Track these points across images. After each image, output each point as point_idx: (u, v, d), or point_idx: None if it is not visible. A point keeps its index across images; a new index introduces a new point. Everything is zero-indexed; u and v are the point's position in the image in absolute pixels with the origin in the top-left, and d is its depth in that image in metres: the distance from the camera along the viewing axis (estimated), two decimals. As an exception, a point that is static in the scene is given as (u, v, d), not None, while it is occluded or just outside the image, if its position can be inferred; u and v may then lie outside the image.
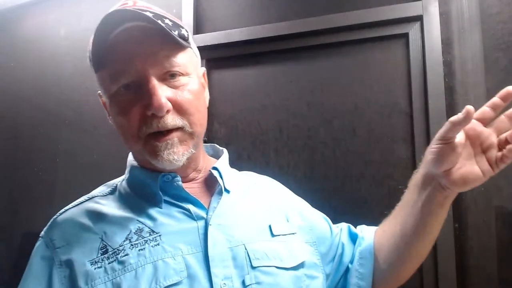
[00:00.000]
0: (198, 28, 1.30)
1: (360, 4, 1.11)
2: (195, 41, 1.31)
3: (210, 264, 0.53)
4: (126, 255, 0.52)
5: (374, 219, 1.07)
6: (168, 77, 0.55)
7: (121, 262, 0.52)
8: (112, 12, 0.52)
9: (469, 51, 1.02)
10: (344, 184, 1.10)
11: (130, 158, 0.67)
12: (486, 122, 0.55)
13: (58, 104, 1.48)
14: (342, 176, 1.11)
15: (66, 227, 0.58)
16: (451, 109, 1.02)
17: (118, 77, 0.54)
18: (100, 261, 0.53)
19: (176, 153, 0.55)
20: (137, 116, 0.54)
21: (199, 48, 1.27)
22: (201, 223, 0.57)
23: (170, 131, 0.55)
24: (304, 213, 0.72)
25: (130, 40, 0.53)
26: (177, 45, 0.56)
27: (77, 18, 1.49)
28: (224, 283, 0.52)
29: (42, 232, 0.60)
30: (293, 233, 0.65)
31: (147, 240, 0.54)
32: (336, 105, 1.14)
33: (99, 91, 0.62)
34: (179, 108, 0.55)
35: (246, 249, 0.56)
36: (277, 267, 0.57)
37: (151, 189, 0.59)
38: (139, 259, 0.52)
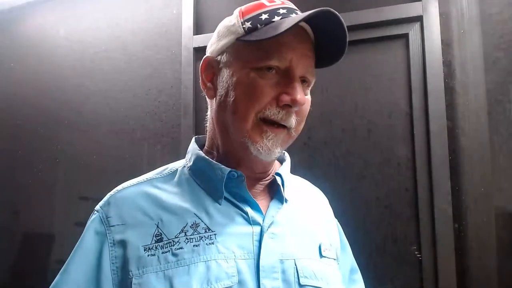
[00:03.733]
0: (198, 28, 1.30)
1: (360, 5, 1.11)
2: (195, 41, 1.32)
3: (260, 274, 0.52)
4: (181, 248, 0.52)
5: (374, 219, 1.07)
6: (302, 81, 0.57)
7: (175, 255, 0.52)
8: (292, 9, 0.57)
9: (469, 51, 1.02)
10: (344, 184, 1.11)
11: (195, 146, 0.65)
12: None
13: (58, 104, 1.48)
14: (342, 176, 1.11)
15: (123, 205, 0.57)
16: (451, 109, 1.02)
17: (271, 57, 0.55)
18: (154, 248, 0.53)
19: (277, 146, 0.56)
20: (268, 98, 0.55)
21: (199, 48, 1.28)
22: (256, 229, 0.56)
23: (281, 127, 0.56)
24: (339, 251, 0.71)
25: (294, 35, 0.55)
26: (317, 62, 0.60)
27: (77, 19, 1.50)
28: None
29: (98, 206, 0.59)
30: (335, 259, 0.65)
31: (202, 237, 0.54)
32: (336, 105, 1.14)
33: (211, 56, 0.62)
34: (300, 112, 0.57)
35: (295, 264, 0.55)
36: None
37: (214, 183, 0.58)
38: (193, 255, 0.52)
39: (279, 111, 0.54)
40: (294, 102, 0.53)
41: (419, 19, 1.06)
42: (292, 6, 0.59)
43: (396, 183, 1.07)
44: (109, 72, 1.42)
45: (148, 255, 0.52)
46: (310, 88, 0.61)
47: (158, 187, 0.60)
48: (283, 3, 0.58)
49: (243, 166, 0.60)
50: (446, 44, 1.04)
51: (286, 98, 0.54)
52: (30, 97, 1.53)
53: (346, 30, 0.54)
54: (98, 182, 1.37)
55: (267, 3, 0.58)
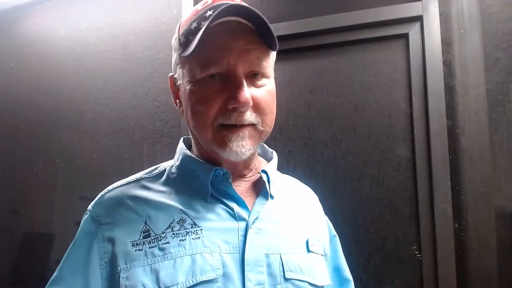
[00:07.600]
0: (198, 28, 1.30)
1: (360, 5, 1.11)
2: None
3: (245, 267, 0.53)
4: (167, 243, 0.54)
5: (374, 219, 1.07)
6: (251, 75, 0.56)
7: (161, 249, 0.53)
8: (218, 5, 0.54)
9: (469, 51, 1.02)
10: (344, 184, 1.11)
11: (182, 146, 0.67)
12: None
13: (58, 104, 1.48)
14: (342, 176, 1.11)
15: (112, 205, 0.59)
16: (451, 109, 1.02)
17: (209, 66, 0.55)
18: (142, 244, 0.54)
19: (244, 146, 0.56)
20: (217, 107, 0.55)
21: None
22: (242, 225, 0.57)
23: (243, 125, 0.56)
24: (327, 248, 0.71)
25: (227, 34, 0.55)
26: (268, 47, 0.57)
27: (77, 18, 1.50)
28: None
29: (90, 206, 0.61)
30: (322, 255, 0.65)
31: (188, 232, 0.55)
32: (336, 105, 1.14)
33: (172, 74, 0.64)
34: (257, 107, 0.56)
35: (281, 259, 0.56)
36: (310, 283, 0.58)
37: (201, 181, 0.60)
38: (179, 249, 0.53)
39: (230, 115, 0.55)
40: (239, 105, 0.53)
41: (419, 19, 1.06)
42: (221, 1, 0.56)
43: (396, 183, 1.07)
44: (109, 72, 1.42)
45: (135, 250, 0.53)
46: (269, 77, 0.60)
47: (146, 187, 0.62)
48: (214, 0, 0.57)
49: (225, 164, 0.61)
50: (446, 44, 1.04)
51: (231, 102, 0.54)
52: (30, 97, 1.53)
53: (259, 14, 0.53)
54: (98, 182, 1.37)
55: (200, 7, 0.57)
